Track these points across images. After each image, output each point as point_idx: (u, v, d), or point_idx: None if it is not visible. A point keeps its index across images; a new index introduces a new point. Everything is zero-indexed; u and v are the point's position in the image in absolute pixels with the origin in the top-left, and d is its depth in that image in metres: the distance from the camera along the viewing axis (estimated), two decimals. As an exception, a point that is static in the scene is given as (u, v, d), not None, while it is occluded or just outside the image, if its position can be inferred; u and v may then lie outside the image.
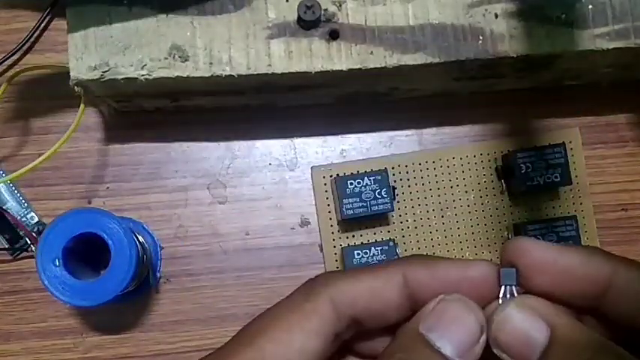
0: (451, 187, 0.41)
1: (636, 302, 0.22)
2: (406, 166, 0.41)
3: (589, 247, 0.24)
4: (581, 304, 0.23)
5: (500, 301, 0.23)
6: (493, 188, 0.41)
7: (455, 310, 0.22)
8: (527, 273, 0.23)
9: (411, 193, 0.41)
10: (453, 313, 0.22)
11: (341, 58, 0.35)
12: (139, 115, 0.41)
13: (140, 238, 0.38)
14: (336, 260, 0.40)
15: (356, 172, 0.39)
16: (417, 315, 0.23)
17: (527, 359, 0.22)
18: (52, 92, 0.41)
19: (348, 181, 0.38)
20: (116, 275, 0.34)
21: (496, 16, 0.35)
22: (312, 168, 0.41)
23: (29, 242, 0.40)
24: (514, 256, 0.23)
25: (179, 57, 0.34)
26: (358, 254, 0.38)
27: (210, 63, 0.34)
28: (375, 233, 0.41)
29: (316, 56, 0.34)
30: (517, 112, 0.43)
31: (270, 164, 0.42)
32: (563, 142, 0.40)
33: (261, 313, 0.24)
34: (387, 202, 0.38)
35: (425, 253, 0.40)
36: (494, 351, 0.23)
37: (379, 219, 0.40)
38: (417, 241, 0.41)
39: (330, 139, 0.42)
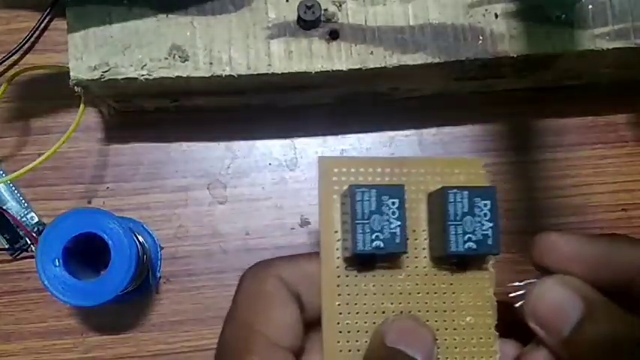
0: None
1: None
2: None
3: (613, 237, 0.24)
4: (610, 289, 0.24)
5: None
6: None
7: (410, 325, 0.23)
8: (555, 267, 0.24)
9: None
10: (410, 328, 0.23)
11: (341, 58, 0.35)
12: (139, 115, 0.41)
13: (140, 238, 0.38)
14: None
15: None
16: (377, 330, 0.23)
17: (560, 331, 0.23)
18: (52, 92, 0.41)
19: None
20: (116, 275, 0.34)
21: (496, 16, 0.35)
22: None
23: (29, 242, 0.40)
24: (542, 253, 0.25)
25: (179, 57, 0.34)
26: None
27: (210, 63, 0.34)
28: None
29: (316, 56, 0.34)
30: (517, 112, 0.43)
31: (270, 164, 0.42)
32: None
33: (226, 317, 0.25)
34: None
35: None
36: (530, 324, 0.24)
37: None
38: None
39: (330, 139, 0.42)
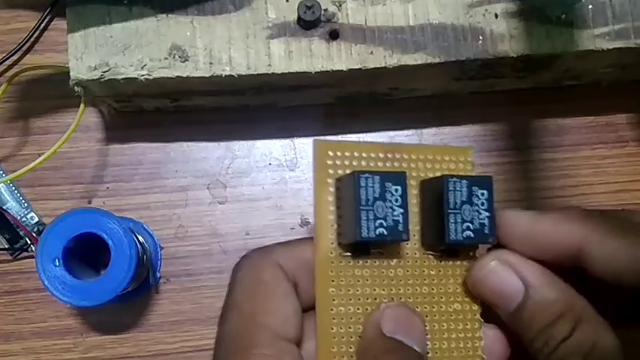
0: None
1: (608, 264, 0.23)
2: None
3: (564, 211, 0.24)
4: (561, 264, 0.24)
5: None
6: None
7: (405, 313, 0.23)
8: (508, 244, 0.24)
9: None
10: (405, 316, 0.23)
11: (341, 58, 0.35)
12: (139, 115, 0.41)
13: (140, 238, 0.38)
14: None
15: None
16: (371, 319, 0.23)
17: (505, 309, 0.24)
18: (52, 92, 0.41)
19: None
20: (116, 275, 0.34)
21: (496, 16, 0.35)
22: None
23: (29, 242, 0.40)
24: (500, 231, 0.24)
25: (179, 57, 0.34)
26: None
27: (210, 63, 0.34)
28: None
29: (316, 56, 0.34)
30: (517, 112, 0.43)
31: (270, 164, 0.42)
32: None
33: (225, 306, 0.24)
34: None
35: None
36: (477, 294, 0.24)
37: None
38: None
39: (330, 139, 0.42)
